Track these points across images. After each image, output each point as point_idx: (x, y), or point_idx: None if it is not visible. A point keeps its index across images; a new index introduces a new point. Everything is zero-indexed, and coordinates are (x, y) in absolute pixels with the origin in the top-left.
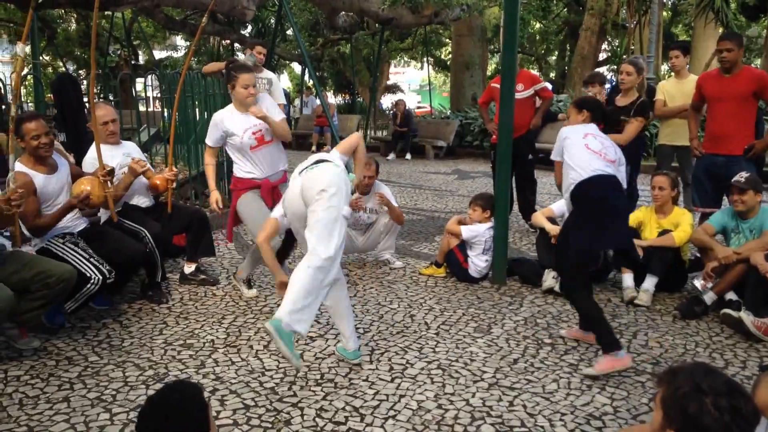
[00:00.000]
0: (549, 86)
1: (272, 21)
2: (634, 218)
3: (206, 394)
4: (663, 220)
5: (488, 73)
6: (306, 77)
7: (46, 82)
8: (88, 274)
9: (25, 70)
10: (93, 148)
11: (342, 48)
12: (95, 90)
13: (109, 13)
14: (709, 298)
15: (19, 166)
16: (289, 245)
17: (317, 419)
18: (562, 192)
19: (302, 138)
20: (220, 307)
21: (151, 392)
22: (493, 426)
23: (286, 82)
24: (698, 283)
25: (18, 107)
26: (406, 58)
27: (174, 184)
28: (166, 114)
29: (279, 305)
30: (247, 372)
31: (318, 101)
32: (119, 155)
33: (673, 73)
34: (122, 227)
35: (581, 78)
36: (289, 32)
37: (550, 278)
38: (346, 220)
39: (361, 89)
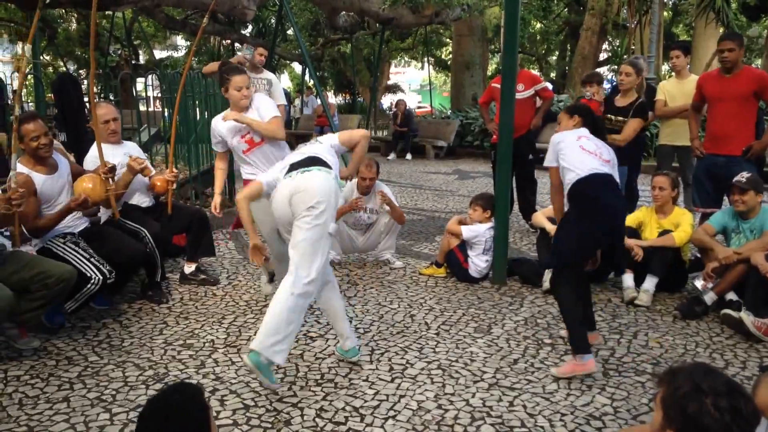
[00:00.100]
0: (549, 86)
1: (273, 21)
2: (634, 218)
3: (206, 394)
4: (663, 221)
5: (489, 73)
6: (306, 77)
7: (46, 81)
8: (89, 274)
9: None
10: (94, 146)
11: (342, 48)
12: (95, 90)
13: (110, 12)
14: (709, 298)
15: (19, 167)
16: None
17: (317, 419)
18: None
19: (303, 138)
20: (220, 307)
21: (151, 392)
22: (493, 426)
23: (286, 81)
24: (698, 284)
25: (19, 107)
26: (406, 58)
27: (174, 185)
28: (166, 114)
29: None
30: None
31: (318, 101)
32: (120, 155)
33: (673, 73)
34: (122, 227)
35: (582, 78)
36: (290, 32)
37: (550, 278)
38: (332, 237)
39: (362, 89)
